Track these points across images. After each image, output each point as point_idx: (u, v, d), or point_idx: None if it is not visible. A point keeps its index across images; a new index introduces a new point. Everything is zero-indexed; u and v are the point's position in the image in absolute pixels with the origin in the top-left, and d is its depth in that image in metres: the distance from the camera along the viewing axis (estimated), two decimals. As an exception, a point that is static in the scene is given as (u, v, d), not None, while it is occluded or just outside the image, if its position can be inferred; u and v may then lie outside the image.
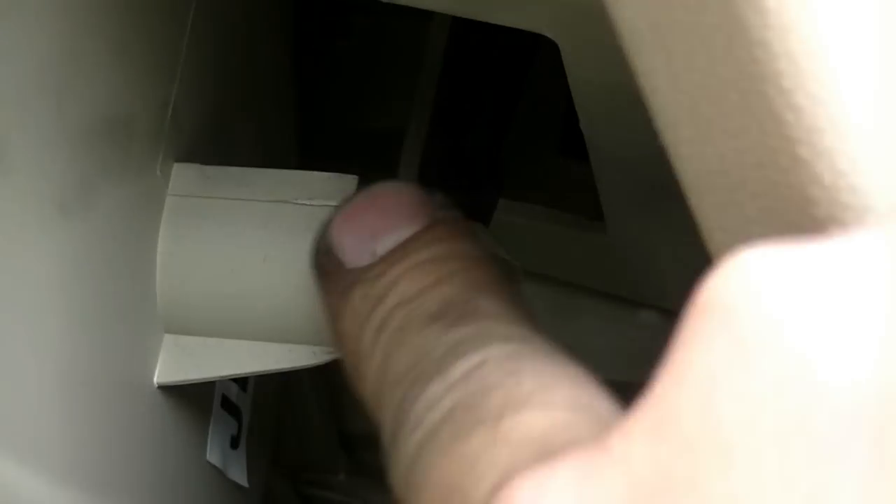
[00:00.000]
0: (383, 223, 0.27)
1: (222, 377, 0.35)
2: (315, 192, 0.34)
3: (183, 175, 0.34)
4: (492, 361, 0.23)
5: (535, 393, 0.22)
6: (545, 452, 0.20)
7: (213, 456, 0.37)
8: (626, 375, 0.51)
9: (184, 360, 0.34)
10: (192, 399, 0.36)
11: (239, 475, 0.39)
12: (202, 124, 0.35)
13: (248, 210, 0.34)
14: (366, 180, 0.34)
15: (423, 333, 0.25)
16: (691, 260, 0.28)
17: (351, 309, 0.27)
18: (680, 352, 0.19)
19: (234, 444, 0.39)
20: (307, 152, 0.46)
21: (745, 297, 0.18)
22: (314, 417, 0.55)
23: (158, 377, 0.34)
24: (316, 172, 0.34)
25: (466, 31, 0.42)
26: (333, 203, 0.33)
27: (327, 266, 0.28)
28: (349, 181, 0.34)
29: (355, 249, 0.27)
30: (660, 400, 0.19)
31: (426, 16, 0.43)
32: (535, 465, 0.20)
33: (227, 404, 0.38)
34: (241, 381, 0.39)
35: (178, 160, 0.34)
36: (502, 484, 0.20)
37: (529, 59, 0.42)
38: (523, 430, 0.21)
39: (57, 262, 0.30)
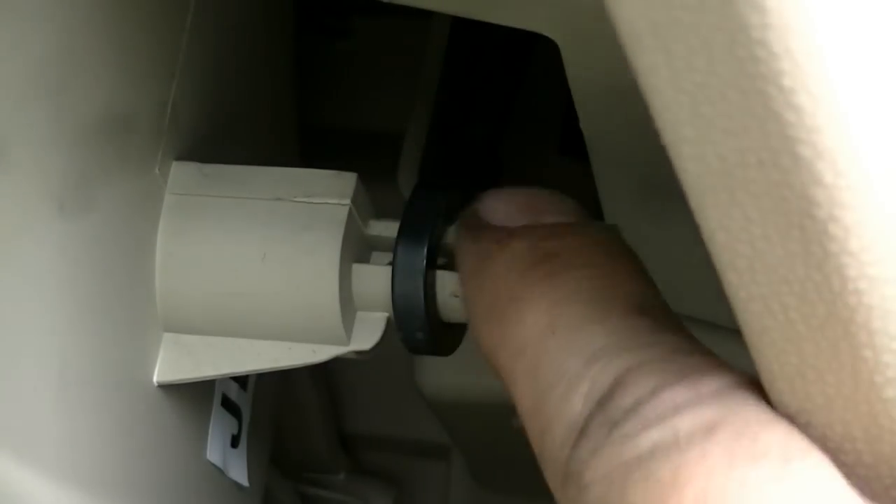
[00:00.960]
0: (538, 201, 0.26)
1: (222, 376, 0.35)
2: (314, 190, 0.34)
3: (182, 173, 0.34)
4: (740, 387, 0.22)
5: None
6: None
7: (213, 455, 0.37)
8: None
9: (183, 359, 0.34)
10: (192, 398, 0.36)
11: (239, 474, 0.39)
12: (201, 123, 0.35)
13: (248, 208, 0.34)
14: (366, 180, 0.34)
15: (628, 319, 0.24)
16: (691, 260, 0.28)
17: (510, 254, 0.25)
18: None
19: (235, 443, 0.39)
20: (307, 152, 0.46)
21: None
22: (314, 417, 0.55)
23: (158, 376, 0.34)
24: (315, 170, 0.34)
25: (466, 30, 0.42)
26: (332, 201, 0.33)
27: (476, 226, 0.27)
28: (348, 179, 0.34)
29: (511, 214, 0.26)
30: None
31: (426, 16, 0.43)
32: None
33: (228, 403, 0.38)
34: (241, 380, 0.39)
35: (177, 159, 0.34)
36: None
37: (529, 59, 0.42)
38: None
39: (56, 261, 0.30)
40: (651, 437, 0.21)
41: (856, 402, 0.21)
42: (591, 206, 0.40)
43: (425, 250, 0.33)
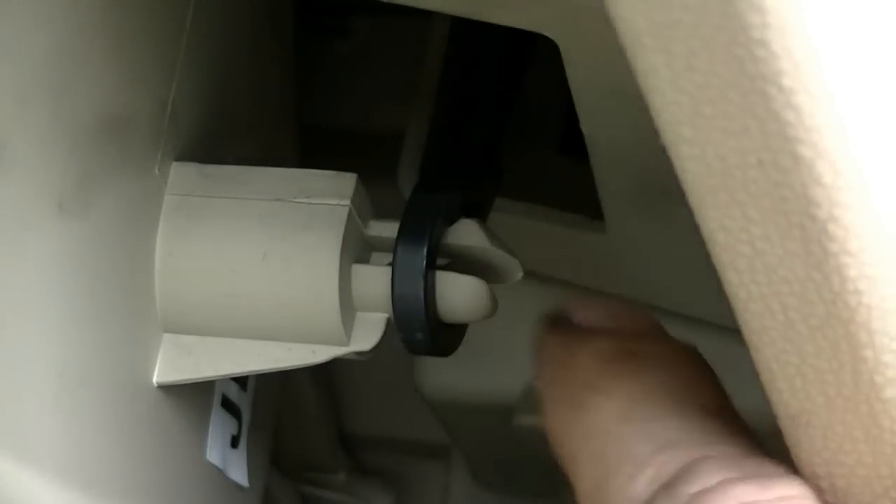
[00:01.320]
0: (624, 312, 0.27)
1: (222, 376, 0.35)
2: (314, 190, 0.34)
3: (181, 174, 0.34)
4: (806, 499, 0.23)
5: None
6: None
7: (213, 455, 0.37)
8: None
9: (183, 360, 0.34)
10: (192, 398, 0.36)
11: (239, 475, 0.39)
12: (201, 123, 0.35)
13: (247, 209, 0.34)
14: (366, 180, 0.34)
15: (702, 418, 0.24)
16: (691, 260, 0.28)
17: (594, 348, 0.26)
18: None
19: (234, 443, 0.39)
20: (307, 152, 0.46)
21: None
22: (314, 417, 0.55)
23: (158, 376, 0.34)
24: (315, 171, 0.34)
25: (466, 31, 0.42)
26: (332, 202, 0.33)
27: (562, 321, 0.27)
28: (348, 180, 0.34)
29: (599, 318, 0.27)
30: None
31: (426, 16, 0.43)
32: None
33: (227, 403, 0.38)
34: (241, 381, 0.39)
35: (177, 159, 0.34)
36: None
37: (529, 59, 0.42)
38: None
39: (55, 261, 0.30)
40: None
41: (856, 403, 0.21)
42: (591, 206, 0.40)
43: (425, 251, 0.33)
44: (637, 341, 0.26)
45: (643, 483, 0.23)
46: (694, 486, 0.22)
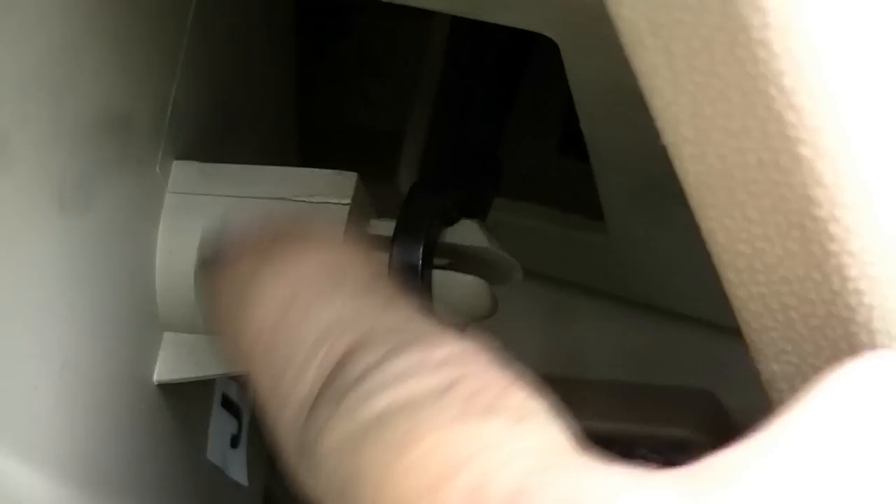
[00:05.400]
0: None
1: (222, 375, 0.35)
2: (315, 189, 0.34)
3: (182, 172, 0.34)
4: (478, 353, 0.22)
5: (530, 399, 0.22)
6: (589, 464, 0.20)
7: (213, 455, 0.37)
8: (624, 375, 0.51)
9: (183, 358, 0.34)
10: (192, 398, 0.36)
11: (239, 474, 0.39)
12: (202, 122, 0.35)
13: (248, 207, 0.34)
14: (366, 180, 0.34)
15: (360, 294, 0.24)
16: (691, 260, 0.28)
17: (250, 243, 0.26)
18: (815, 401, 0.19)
19: (235, 443, 0.39)
20: (307, 152, 0.46)
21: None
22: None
23: (158, 375, 0.34)
24: (315, 169, 0.34)
25: (466, 31, 0.42)
26: (333, 201, 0.33)
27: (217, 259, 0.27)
28: (349, 179, 0.34)
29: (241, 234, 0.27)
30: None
31: (426, 16, 0.43)
32: (635, 486, 0.19)
33: (228, 403, 0.38)
34: (242, 380, 0.39)
35: (178, 157, 0.34)
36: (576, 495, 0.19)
37: (529, 59, 0.42)
38: (541, 434, 0.21)
39: (56, 259, 0.30)
40: (381, 401, 0.21)
41: None
42: (591, 206, 0.40)
43: (421, 249, 0.33)
44: (289, 227, 0.26)
45: (311, 375, 0.23)
46: (357, 367, 0.22)
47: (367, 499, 0.21)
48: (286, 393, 0.23)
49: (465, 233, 0.34)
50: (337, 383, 0.22)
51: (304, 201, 0.33)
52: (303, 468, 0.22)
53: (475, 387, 0.21)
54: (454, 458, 0.20)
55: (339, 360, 0.22)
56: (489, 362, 0.22)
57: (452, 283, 0.33)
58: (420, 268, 0.33)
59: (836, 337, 0.21)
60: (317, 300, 0.24)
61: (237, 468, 0.39)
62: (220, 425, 0.38)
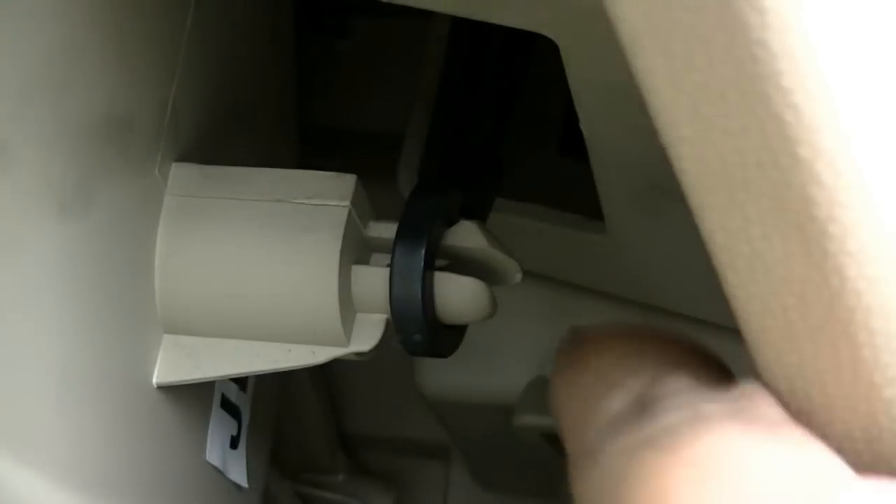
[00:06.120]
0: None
1: (222, 377, 0.35)
2: (314, 191, 0.34)
3: (182, 175, 0.34)
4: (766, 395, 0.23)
5: None
6: None
7: (212, 456, 0.37)
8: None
9: (183, 360, 0.34)
10: (192, 399, 0.36)
11: (239, 475, 0.39)
12: (201, 124, 0.35)
13: (247, 209, 0.34)
14: (366, 180, 0.34)
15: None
16: (691, 260, 0.28)
17: (602, 348, 0.26)
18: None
19: (234, 444, 0.39)
20: (307, 152, 0.46)
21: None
22: (314, 418, 0.55)
23: (157, 377, 0.34)
24: (315, 172, 0.34)
25: (466, 31, 0.42)
26: (332, 203, 0.33)
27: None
28: (348, 181, 0.34)
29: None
30: None
31: (426, 16, 0.43)
32: None
33: (227, 404, 0.38)
34: (241, 381, 0.39)
35: (177, 160, 0.34)
36: None
37: (529, 59, 0.42)
38: None
39: (56, 261, 0.30)
40: (672, 417, 0.22)
41: (855, 402, 0.21)
42: (591, 206, 0.40)
43: (423, 252, 0.33)
44: (641, 338, 0.26)
45: (617, 397, 0.23)
46: (660, 389, 0.23)
47: (636, 488, 0.21)
48: (586, 413, 0.24)
49: (465, 234, 0.34)
50: (638, 400, 0.23)
51: (303, 203, 0.33)
52: (581, 473, 0.23)
53: (758, 416, 0.22)
54: (730, 459, 0.21)
55: (645, 385, 0.23)
56: (775, 404, 0.22)
57: (452, 285, 0.33)
58: (422, 271, 0.33)
59: (835, 337, 0.20)
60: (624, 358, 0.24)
61: (236, 469, 0.39)
62: (219, 426, 0.38)
